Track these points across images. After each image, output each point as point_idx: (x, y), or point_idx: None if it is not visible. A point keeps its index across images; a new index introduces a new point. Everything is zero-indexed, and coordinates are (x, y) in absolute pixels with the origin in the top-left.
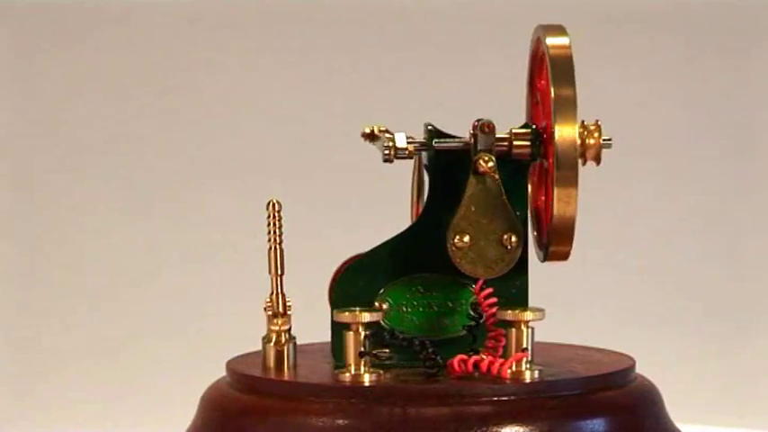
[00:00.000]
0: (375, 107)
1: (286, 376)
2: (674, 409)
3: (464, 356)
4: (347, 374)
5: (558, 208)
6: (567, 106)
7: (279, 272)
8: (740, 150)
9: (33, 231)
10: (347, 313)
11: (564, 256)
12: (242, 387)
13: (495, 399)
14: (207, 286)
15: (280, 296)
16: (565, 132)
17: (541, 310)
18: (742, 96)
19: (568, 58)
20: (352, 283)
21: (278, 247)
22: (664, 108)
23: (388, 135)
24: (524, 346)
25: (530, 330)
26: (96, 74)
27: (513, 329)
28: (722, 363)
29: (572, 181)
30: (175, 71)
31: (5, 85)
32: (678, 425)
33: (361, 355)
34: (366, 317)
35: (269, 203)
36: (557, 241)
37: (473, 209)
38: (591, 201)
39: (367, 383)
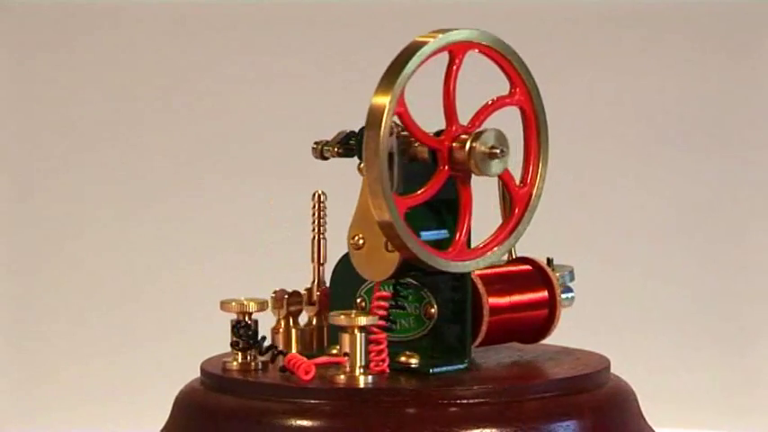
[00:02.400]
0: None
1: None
2: (662, 410)
3: (294, 354)
4: (234, 363)
5: (376, 216)
6: (377, 112)
7: (320, 261)
8: (737, 151)
9: (33, 231)
10: (234, 303)
11: (416, 263)
12: (213, 387)
13: (471, 401)
14: (208, 286)
15: (318, 285)
16: (370, 139)
17: (375, 318)
18: (741, 94)
19: (404, 59)
20: (342, 280)
21: (321, 236)
22: (657, 106)
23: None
24: (346, 350)
25: (362, 335)
26: (96, 74)
27: (347, 335)
28: (712, 364)
29: (377, 187)
30: (175, 71)
31: (5, 84)
32: (665, 429)
33: (231, 345)
34: (252, 307)
35: (314, 194)
36: (395, 248)
37: (365, 211)
38: (586, 200)
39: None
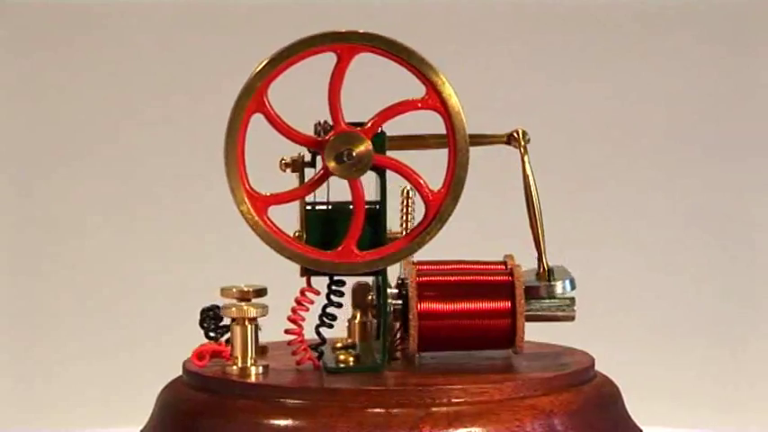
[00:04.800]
0: (373, 105)
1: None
2: (652, 409)
3: (214, 345)
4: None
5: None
6: (233, 109)
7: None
8: (736, 152)
9: (31, 231)
10: (234, 290)
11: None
12: (193, 385)
13: (455, 400)
14: (208, 285)
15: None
16: (226, 135)
17: (264, 307)
18: (743, 95)
19: (268, 59)
20: None
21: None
22: (656, 108)
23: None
24: (234, 341)
25: (252, 326)
26: (95, 73)
27: (237, 326)
28: (703, 363)
29: (230, 183)
30: (174, 70)
31: (4, 84)
32: (655, 427)
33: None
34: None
35: (402, 190)
36: None
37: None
38: (582, 199)
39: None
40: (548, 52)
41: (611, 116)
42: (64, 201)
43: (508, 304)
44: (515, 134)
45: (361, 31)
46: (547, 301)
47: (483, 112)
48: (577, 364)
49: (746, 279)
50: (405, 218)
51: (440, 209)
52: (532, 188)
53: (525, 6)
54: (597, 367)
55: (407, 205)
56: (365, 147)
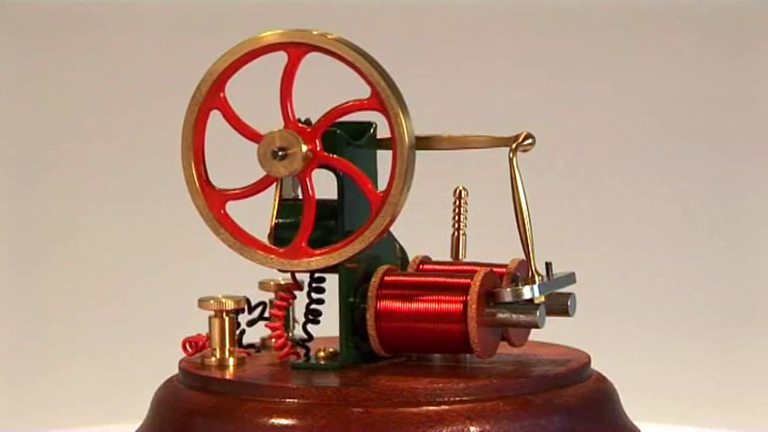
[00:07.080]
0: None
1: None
2: (651, 407)
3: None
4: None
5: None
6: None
7: (458, 256)
8: (736, 151)
9: (29, 231)
10: (272, 283)
11: None
12: (188, 384)
13: (453, 399)
14: (207, 283)
15: None
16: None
17: (241, 299)
18: (742, 95)
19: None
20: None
21: (460, 232)
22: (656, 108)
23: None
24: (213, 333)
25: (229, 318)
26: (95, 73)
27: (217, 319)
28: (701, 361)
29: (185, 177)
30: (173, 70)
31: (4, 83)
32: (653, 425)
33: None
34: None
35: (455, 190)
36: None
37: None
38: (581, 198)
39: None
40: (548, 52)
41: (610, 116)
42: (60, 199)
43: (460, 307)
44: (519, 137)
45: (306, 30)
46: (510, 305)
47: (483, 112)
48: (573, 363)
49: (745, 278)
50: (457, 218)
51: (380, 209)
52: (520, 191)
53: (525, 6)
54: (594, 365)
55: (460, 205)
56: (300, 146)
